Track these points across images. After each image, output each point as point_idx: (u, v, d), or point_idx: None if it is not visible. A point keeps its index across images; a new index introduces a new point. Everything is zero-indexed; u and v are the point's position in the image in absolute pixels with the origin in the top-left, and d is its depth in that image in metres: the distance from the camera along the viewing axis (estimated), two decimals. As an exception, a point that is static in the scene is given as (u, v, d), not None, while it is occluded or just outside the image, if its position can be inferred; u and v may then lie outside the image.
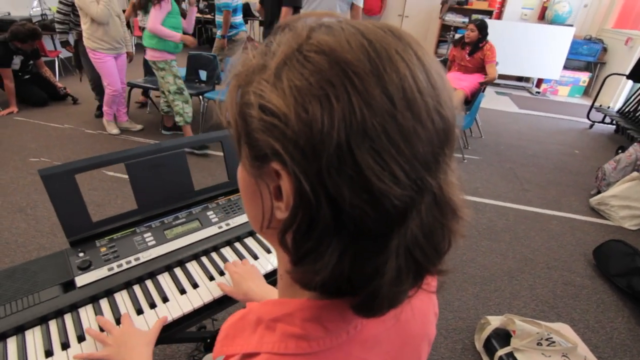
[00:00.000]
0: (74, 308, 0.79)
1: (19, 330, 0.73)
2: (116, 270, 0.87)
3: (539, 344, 1.46)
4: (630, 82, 4.87)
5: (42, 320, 0.76)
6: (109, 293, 0.83)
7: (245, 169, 0.32)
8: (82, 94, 4.25)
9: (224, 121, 0.32)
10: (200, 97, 3.49)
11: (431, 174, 0.27)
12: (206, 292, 0.86)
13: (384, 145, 0.24)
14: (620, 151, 3.14)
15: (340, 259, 0.27)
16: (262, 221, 0.32)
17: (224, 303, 0.87)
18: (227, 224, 1.05)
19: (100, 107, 3.59)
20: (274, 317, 0.34)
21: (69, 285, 0.83)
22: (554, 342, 1.47)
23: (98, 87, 3.52)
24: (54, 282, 0.82)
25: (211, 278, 0.90)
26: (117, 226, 0.98)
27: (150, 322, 0.78)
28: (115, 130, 3.40)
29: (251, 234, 1.06)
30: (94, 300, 0.82)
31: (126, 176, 2.68)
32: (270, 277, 0.92)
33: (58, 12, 3.31)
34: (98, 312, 0.79)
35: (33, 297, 0.78)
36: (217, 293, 0.86)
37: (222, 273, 0.91)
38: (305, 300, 0.33)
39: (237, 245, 1.02)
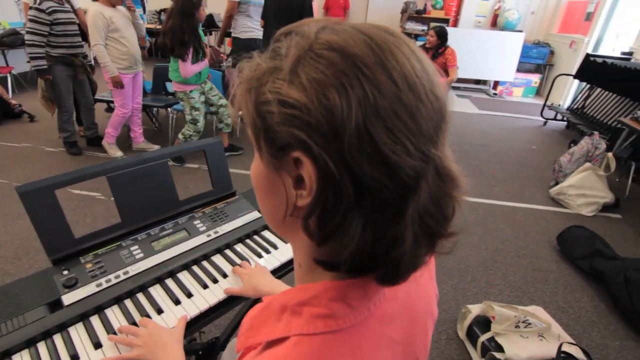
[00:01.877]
0: (63, 328, 0.76)
1: (5, 355, 0.70)
2: (105, 285, 0.84)
3: (517, 326, 1.55)
4: (576, 82, 5.28)
5: (30, 343, 0.72)
6: (99, 309, 0.81)
7: (263, 163, 0.34)
8: (39, 111, 4.03)
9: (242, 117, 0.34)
10: (168, 109, 3.42)
11: (434, 146, 0.30)
12: (202, 301, 0.85)
13: (394, 123, 0.28)
14: (572, 145, 3.40)
15: (364, 231, 0.30)
16: (286, 209, 0.34)
17: (221, 308, 0.87)
18: (216, 232, 1.04)
19: (68, 140, 3.18)
20: (299, 302, 0.36)
21: (56, 305, 0.80)
22: (530, 324, 1.57)
23: (81, 114, 3.23)
24: (39, 303, 0.79)
25: (205, 286, 0.89)
26: (101, 241, 0.95)
27: (147, 334, 0.76)
28: (119, 153, 3.18)
29: (240, 240, 1.06)
30: (83, 318, 0.79)
31: (95, 194, 2.61)
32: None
33: (32, 33, 2.69)
34: (89, 330, 0.76)
35: (18, 320, 0.75)
36: (213, 300, 0.86)
37: (215, 281, 0.91)
38: (329, 281, 0.36)
39: (228, 252, 1.01)
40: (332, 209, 0.30)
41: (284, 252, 1.03)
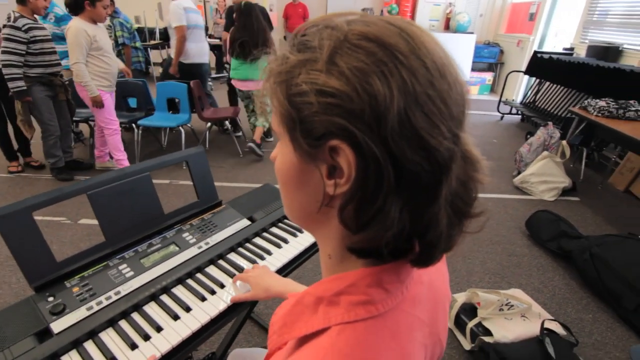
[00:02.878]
0: (55, 357, 0.72)
1: (-6, 393, 0.64)
2: (96, 308, 0.80)
3: (500, 309, 1.62)
4: (526, 77, 5.64)
5: (20, 378, 0.67)
6: (92, 334, 0.77)
7: (297, 155, 0.34)
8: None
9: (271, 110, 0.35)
10: (133, 125, 3.29)
11: (460, 130, 0.32)
12: (202, 314, 0.83)
13: (430, 108, 0.30)
14: (529, 136, 3.62)
15: (401, 215, 0.31)
16: (321, 200, 0.34)
17: (224, 318, 0.85)
18: (207, 243, 1.02)
19: (56, 166, 2.97)
20: (336, 292, 0.36)
21: (44, 334, 0.75)
22: (512, 306, 1.64)
23: (63, 136, 3.00)
24: (25, 334, 0.73)
25: (203, 299, 0.87)
26: (86, 263, 0.90)
27: (148, 353, 0.73)
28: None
29: (232, 249, 1.04)
30: (76, 344, 0.74)
31: (59, 218, 2.45)
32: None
33: (8, 52, 2.51)
34: (85, 356, 0.72)
35: (4, 354, 0.69)
36: (214, 312, 0.84)
37: (213, 292, 0.89)
38: (364, 269, 0.36)
39: (221, 262, 0.99)
40: (372, 195, 0.31)
41: (278, 257, 1.02)
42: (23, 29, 2.53)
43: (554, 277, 2.11)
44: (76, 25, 2.54)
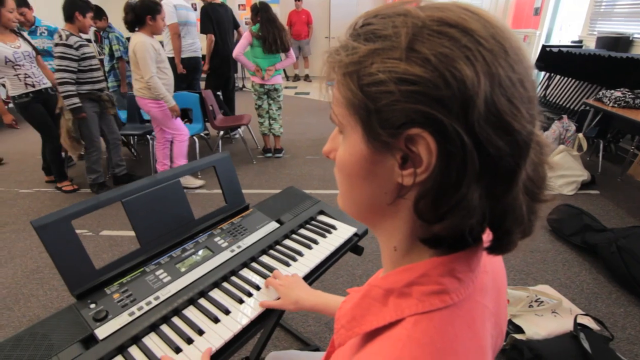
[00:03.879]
0: (101, 363, 0.72)
1: (46, 400, 0.65)
2: (137, 314, 0.81)
3: (530, 306, 1.59)
4: (535, 72, 5.60)
5: (70, 384, 0.68)
6: (136, 339, 0.77)
7: (369, 146, 0.33)
8: (6, 153, 3.84)
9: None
10: (148, 136, 3.34)
11: (536, 112, 0.32)
12: (241, 315, 0.83)
13: (512, 92, 0.30)
14: (544, 130, 3.58)
15: (481, 202, 0.31)
16: (397, 191, 0.34)
17: (260, 322, 0.85)
18: (239, 247, 1.02)
19: (96, 182, 2.96)
20: (407, 283, 0.36)
21: (89, 341, 0.75)
22: (542, 302, 1.61)
23: (109, 152, 3.05)
24: (71, 341, 0.74)
25: (240, 301, 0.87)
26: (124, 270, 0.91)
27: (193, 357, 0.73)
28: (199, 182, 3.09)
29: (264, 252, 1.04)
30: (121, 350, 0.75)
31: (81, 231, 2.49)
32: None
33: (63, 70, 2.55)
34: (130, 361, 0.72)
35: (52, 362, 0.70)
36: (253, 314, 0.84)
37: (249, 294, 0.89)
38: (435, 258, 0.36)
39: (254, 265, 1.00)
40: (454, 183, 0.30)
41: (310, 257, 1.02)
42: (75, 46, 2.59)
43: (581, 271, 2.07)
44: (142, 40, 2.54)
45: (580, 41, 4.85)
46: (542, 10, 5.73)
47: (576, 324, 1.48)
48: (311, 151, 3.87)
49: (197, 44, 3.88)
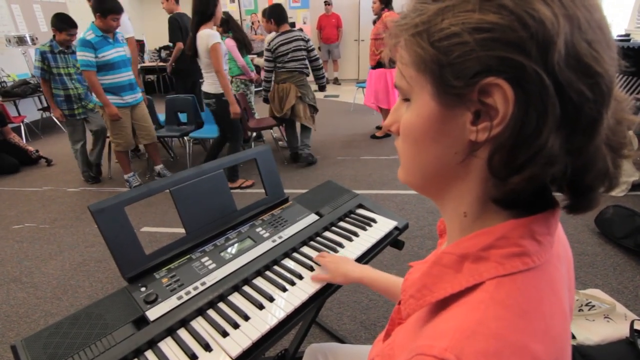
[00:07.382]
0: (153, 344, 0.74)
1: (103, 375, 0.67)
2: (185, 298, 0.82)
3: (580, 310, 1.50)
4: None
5: (124, 362, 0.70)
6: (184, 322, 0.79)
7: (440, 103, 0.32)
8: (55, 154, 4.09)
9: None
10: (185, 138, 3.45)
11: (615, 57, 0.30)
12: (285, 303, 0.83)
13: (592, 35, 0.28)
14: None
15: (561, 153, 0.29)
16: (468, 150, 0.33)
17: (302, 312, 0.84)
18: (280, 237, 1.03)
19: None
20: (483, 247, 0.34)
21: (141, 322, 0.78)
22: (593, 306, 1.51)
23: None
24: (124, 321, 0.77)
25: (283, 289, 0.87)
26: (171, 256, 0.94)
27: (240, 341, 0.74)
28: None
29: (305, 243, 1.04)
30: (171, 332, 0.77)
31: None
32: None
33: (268, 71, 3.21)
34: (180, 343, 0.74)
35: (107, 340, 0.73)
36: (297, 302, 0.83)
37: (292, 283, 0.89)
38: (513, 220, 0.34)
39: (296, 254, 1.00)
40: (533, 132, 0.29)
41: (352, 249, 1.01)
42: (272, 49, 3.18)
43: (634, 276, 1.92)
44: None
45: (628, 34, 4.58)
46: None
47: (633, 330, 1.37)
48: (342, 152, 3.86)
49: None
